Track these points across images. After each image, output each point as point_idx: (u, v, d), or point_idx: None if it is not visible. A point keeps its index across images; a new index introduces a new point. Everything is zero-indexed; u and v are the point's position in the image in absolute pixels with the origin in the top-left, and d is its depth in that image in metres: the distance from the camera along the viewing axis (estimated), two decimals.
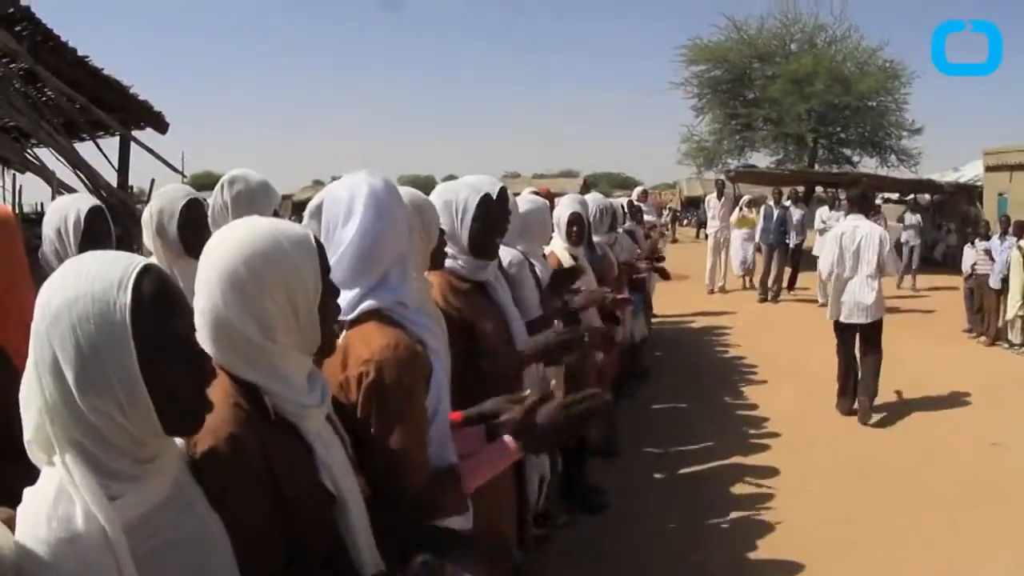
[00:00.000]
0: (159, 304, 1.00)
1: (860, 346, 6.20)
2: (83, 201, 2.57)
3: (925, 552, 3.95)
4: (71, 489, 0.94)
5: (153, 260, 1.05)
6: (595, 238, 4.83)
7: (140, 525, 0.99)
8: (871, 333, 6.11)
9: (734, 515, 4.41)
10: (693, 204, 31.55)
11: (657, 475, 5.04)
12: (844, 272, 6.08)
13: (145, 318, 0.98)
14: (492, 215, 2.25)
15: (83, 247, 2.35)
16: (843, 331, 6.20)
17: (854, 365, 6.25)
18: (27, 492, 0.97)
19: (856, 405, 6.16)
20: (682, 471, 5.11)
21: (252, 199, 2.80)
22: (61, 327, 0.95)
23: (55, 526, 0.92)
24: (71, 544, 0.92)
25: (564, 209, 4.13)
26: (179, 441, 1.14)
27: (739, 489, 4.79)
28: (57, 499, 0.94)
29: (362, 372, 1.45)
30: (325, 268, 1.27)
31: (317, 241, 1.27)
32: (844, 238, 6.16)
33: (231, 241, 1.22)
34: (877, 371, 6.10)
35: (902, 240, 13.27)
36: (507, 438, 1.60)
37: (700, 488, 4.82)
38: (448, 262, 2.20)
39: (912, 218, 14.00)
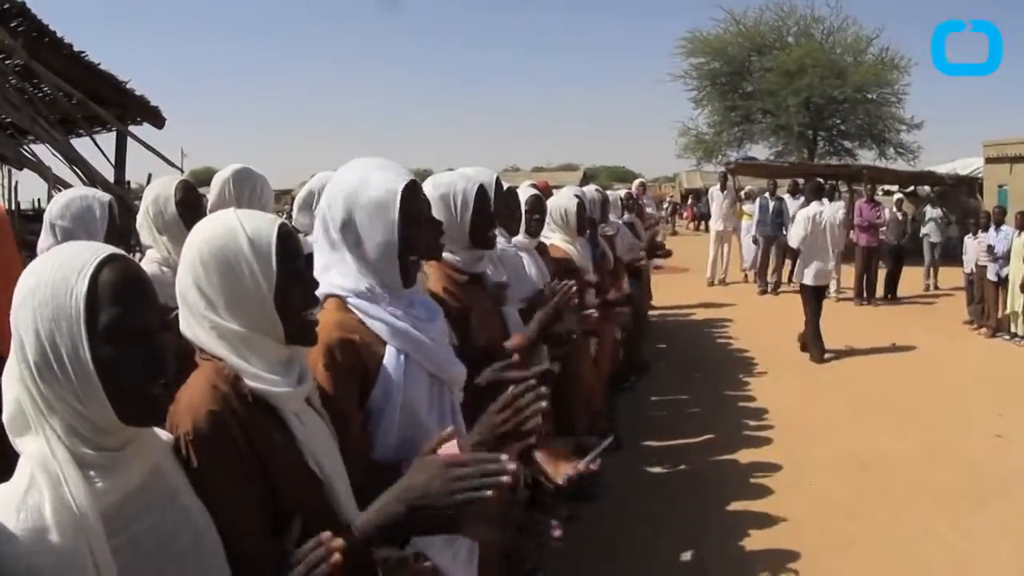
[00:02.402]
0: (118, 294, 0.99)
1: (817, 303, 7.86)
2: (101, 194, 2.61)
3: (928, 546, 3.93)
4: (44, 476, 0.94)
5: (121, 251, 1.05)
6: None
7: (114, 514, 0.99)
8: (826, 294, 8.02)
9: (734, 508, 4.40)
10: (693, 197, 31.49)
11: (657, 468, 5.03)
12: (812, 245, 7.82)
13: (101, 307, 0.98)
14: (489, 207, 2.25)
15: (108, 241, 2.36)
16: (812, 291, 7.81)
17: (818, 321, 7.82)
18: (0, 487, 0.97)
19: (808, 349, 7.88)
20: (682, 464, 5.10)
21: (262, 192, 2.86)
22: (25, 312, 0.97)
23: (24, 517, 0.92)
24: (41, 534, 0.92)
25: (570, 200, 4.11)
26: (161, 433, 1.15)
27: (739, 482, 4.78)
28: (27, 490, 0.94)
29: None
30: (288, 260, 1.27)
31: (282, 233, 1.28)
32: (814, 219, 7.97)
33: (197, 234, 1.28)
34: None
35: (922, 235, 12.85)
36: None
37: (700, 480, 4.81)
38: (444, 254, 2.18)
39: (933, 212, 13.13)
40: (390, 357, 1.56)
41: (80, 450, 0.97)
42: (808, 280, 7.74)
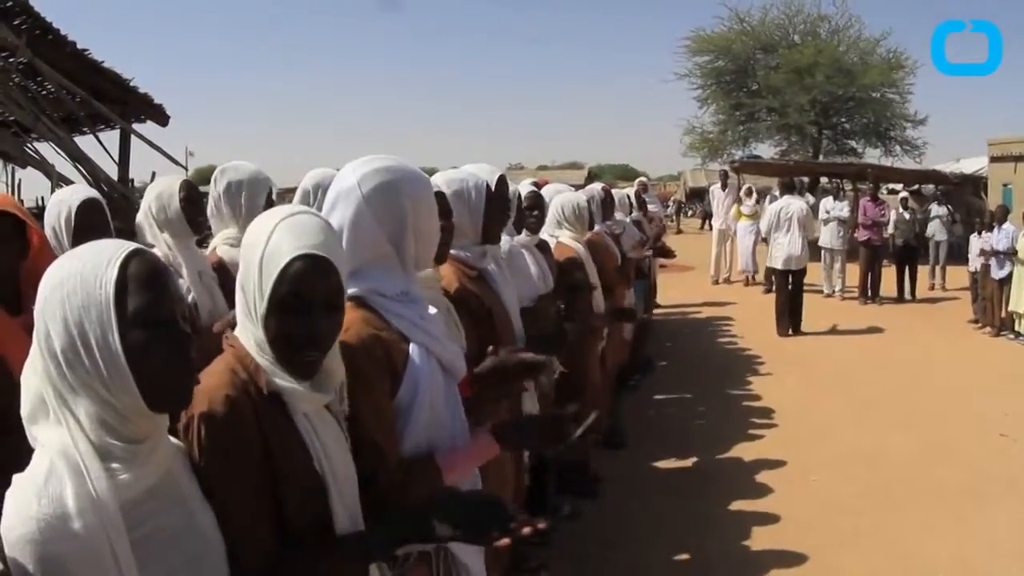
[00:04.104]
0: (144, 283, 1.02)
1: (792, 287, 8.89)
2: (76, 194, 2.55)
3: (932, 544, 3.91)
4: (64, 464, 0.94)
5: (143, 246, 1.08)
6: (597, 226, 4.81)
7: (131, 510, 1.00)
8: (800, 277, 8.93)
9: (737, 506, 4.39)
10: (697, 195, 31.42)
11: (660, 465, 5.02)
12: (780, 235, 8.96)
13: (129, 295, 1.00)
14: (501, 202, 2.31)
15: (76, 241, 2.32)
16: (782, 275, 8.94)
17: (788, 302, 8.91)
18: (16, 477, 0.97)
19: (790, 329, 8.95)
20: (685, 462, 5.09)
21: (240, 190, 2.86)
22: (53, 302, 0.99)
23: (45, 503, 0.93)
24: (62, 522, 0.92)
25: (580, 196, 4.14)
26: (174, 440, 1.16)
27: (743, 480, 4.76)
28: (48, 479, 0.94)
29: None
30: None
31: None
32: (781, 212, 9.09)
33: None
34: (800, 304, 9.00)
35: (927, 234, 12.44)
36: (488, 434, 1.62)
37: (703, 479, 4.80)
38: (452, 251, 2.17)
39: (939, 210, 12.74)
40: (416, 353, 1.56)
41: (104, 440, 0.98)
42: (776, 264, 9.01)
